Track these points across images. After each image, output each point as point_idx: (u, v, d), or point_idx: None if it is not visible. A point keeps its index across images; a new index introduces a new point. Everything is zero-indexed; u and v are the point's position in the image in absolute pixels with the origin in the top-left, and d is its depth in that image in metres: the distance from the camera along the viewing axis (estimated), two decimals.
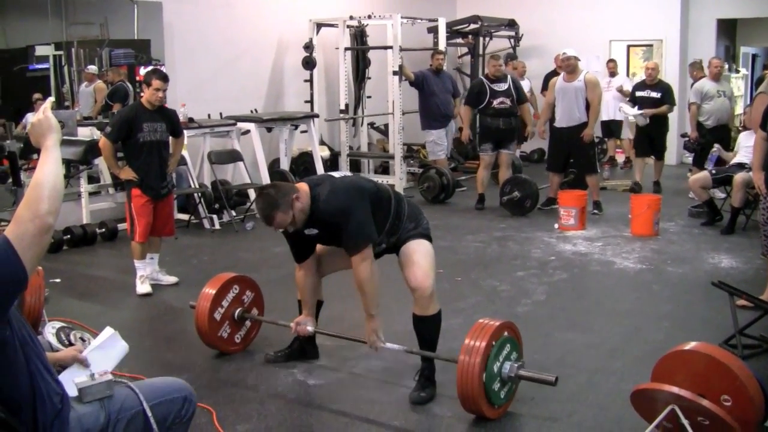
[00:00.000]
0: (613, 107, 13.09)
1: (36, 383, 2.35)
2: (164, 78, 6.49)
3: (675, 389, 3.25)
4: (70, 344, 4.63)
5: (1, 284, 2.13)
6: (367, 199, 4.17)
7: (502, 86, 9.77)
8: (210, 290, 4.92)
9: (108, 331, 3.00)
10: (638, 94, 10.91)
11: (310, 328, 4.63)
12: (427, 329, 4.36)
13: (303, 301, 4.64)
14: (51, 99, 2.49)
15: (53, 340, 4.63)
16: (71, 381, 2.65)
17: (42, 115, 2.38)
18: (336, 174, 4.39)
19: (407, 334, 4.47)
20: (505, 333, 4.04)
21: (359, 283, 4.16)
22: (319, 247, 4.56)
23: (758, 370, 3.71)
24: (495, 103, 9.69)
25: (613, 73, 13.39)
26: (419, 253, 4.33)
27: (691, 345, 3.53)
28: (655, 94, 10.68)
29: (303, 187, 4.18)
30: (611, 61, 13.71)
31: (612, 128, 13.41)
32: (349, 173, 4.45)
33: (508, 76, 9.98)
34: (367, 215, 4.14)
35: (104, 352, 2.92)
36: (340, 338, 4.79)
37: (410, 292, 4.32)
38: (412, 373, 4.45)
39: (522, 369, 4.03)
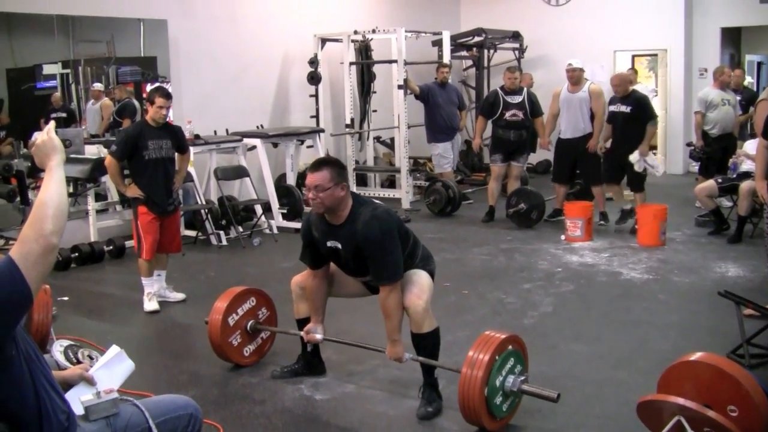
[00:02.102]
0: None
1: (42, 401, 2.36)
2: (167, 95, 6.51)
3: (681, 400, 3.25)
4: (78, 362, 4.65)
5: (7, 303, 2.15)
6: (398, 235, 4.23)
7: (516, 99, 9.77)
8: (227, 296, 5.01)
9: (114, 349, 3.02)
10: (610, 109, 9.34)
11: (318, 336, 4.66)
12: (422, 346, 4.36)
13: (313, 308, 4.65)
14: (55, 120, 2.52)
15: (61, 359, 4.65)
16: (77, 399, 2.66)
17: (46, 136, 2.41)
18: (375, 201, 4.45)
19: (408, 349, 4.46)
20: (510, 347, 4.03)
21: (387, 311, 4.22)
22: (332, 266, 4.60)
23: (765, 380, 3.71)
24: (507, 115, 9.69)
25: (631, 81, 13.30)
26: (417, 275, 4.37)
27: (696, 355, 3.53)
28: (625, 108, 9.11)
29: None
30: (631, 69, 13.67)
31: None
32: (381, 203, 4.51)
33: (524, 89, 9.99)
34: (401, 250, 4.21)
35: (110, 370, 2.94)
36: (349, 345, 4.83)
37: (405, 311, 4.32)
38: (418, 386, 4.44)
39: (525, 383, 4.03)
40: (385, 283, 4.19)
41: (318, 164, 4.22)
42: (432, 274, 4.50)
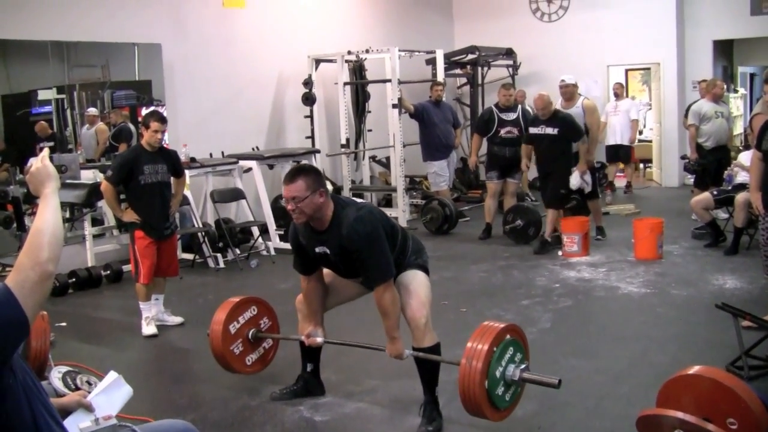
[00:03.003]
0: (620, 132, 13.14)
1: (40, 429, 2.35)
2: (162, 119, 6.54)
3: (680, 414, 3.24)
4: (77, 388, 4.63)
5: (3, 331, 2.15)
6: (385, 233, 4.23)
7: (511, 116, 9.81)
8: (228, 305, 4.97)
9: (112, 375, 3.02)
10: (533, 131, 9.11)
11: (319, 339, 4.64)
12: (425, 361, 4.35)
13: (311, 311, 4.63)
14: (49, 146, 2.51)
15: (59, 385, 4.63)
16: (76, 426, 2.66)
17: (40, 164, 2.41)
18: (357, 200, 4.46)
19: (410, 368, 4.46)
20: (508, 336, 3.98)
21: (384, 310, 4.20)
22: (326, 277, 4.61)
23: (765, 391, 3.71)
24: (503, 132, 9.72)
25: (617, 95, 13.42)
26: (416, 282, 4.36)
27: (694, 369, 3.52)
28: (552, 130, 8.85)
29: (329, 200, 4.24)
30: (617, 83, 13.78)
31: (620, 153, 13.40)
32: (365, 201, 4.52)
33: (519, 106, 10.04)
34: (388, 248, 4.20)
35: (108, 396, 2.93)
36: (349, 345, 4.84)
37: (406, 324, 4.32)
38: (418, 405, 4.43)
39: (526, 372, 3.98)
40: (377, 284, 4.18)
41: (292, 175, 4.19)
42: (426, 270, 4.50)
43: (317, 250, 4.31)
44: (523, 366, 3.99)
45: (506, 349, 3.94)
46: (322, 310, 4.67)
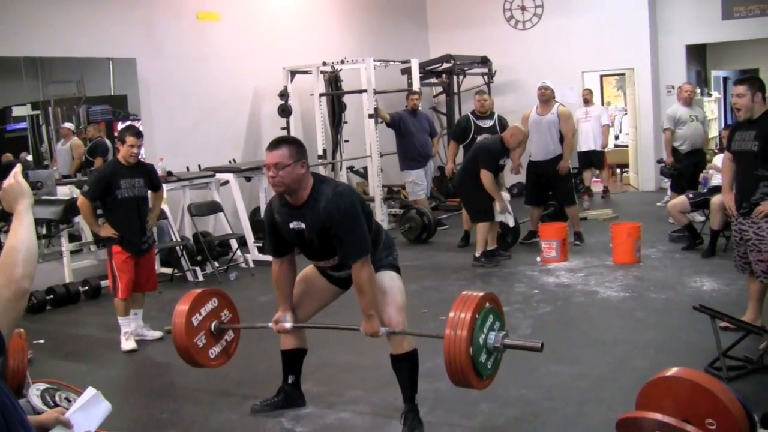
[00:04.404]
0: (592, 137, 13.24)
1: None
2: (138, 134, 6.52)
3: (659, 416, 3.26)
4: (56, 405, 4.59)
5: None
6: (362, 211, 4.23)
7: (488, 123, 9.87)
8: (188, 298, 4.84)
9: (90, 392, 2.99)
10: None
11: (287, 325, 4.57)
12: (404, 368, 4.36)
13: (282, 296, 4.58)
14: (22, 161, 2.49)
15: (38, 402, 4.59)
16: None
17: (13, 180, 2.40)
18: (335, 179, 4.48)
19: (390, 378, 4.46)
20: (487, 304, 3.99)
21: (360, 286, 4.18)
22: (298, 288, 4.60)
23: (743, 391, 3.73)
24: (479, 139, 9.73)
25: (587, 101, 13.52)
26: (393, 287, 4.36)
27: (673, 371, 3.54)
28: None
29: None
30: (586, 89, 13.88)
31: (592, 159, 13.50)
32: (342, 182, 4.54)
33: (495, 114, 10.08)
34: (365, 225, 4.20)
35: (87, 412, 2.91)
36: (321, 328, 4.87)
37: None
38: (399, 414, 4.43)
39: (507, 338, 4.00)
40: (354, 260, 4.16)
41: (276, 142, 4.23)
42: (398, 269, 4.51)
43: (292, 225, 4.28)
44: (503, 333, 4.01)
45: (487, 316, 3.95)
46: (291, 295, 4.59)
